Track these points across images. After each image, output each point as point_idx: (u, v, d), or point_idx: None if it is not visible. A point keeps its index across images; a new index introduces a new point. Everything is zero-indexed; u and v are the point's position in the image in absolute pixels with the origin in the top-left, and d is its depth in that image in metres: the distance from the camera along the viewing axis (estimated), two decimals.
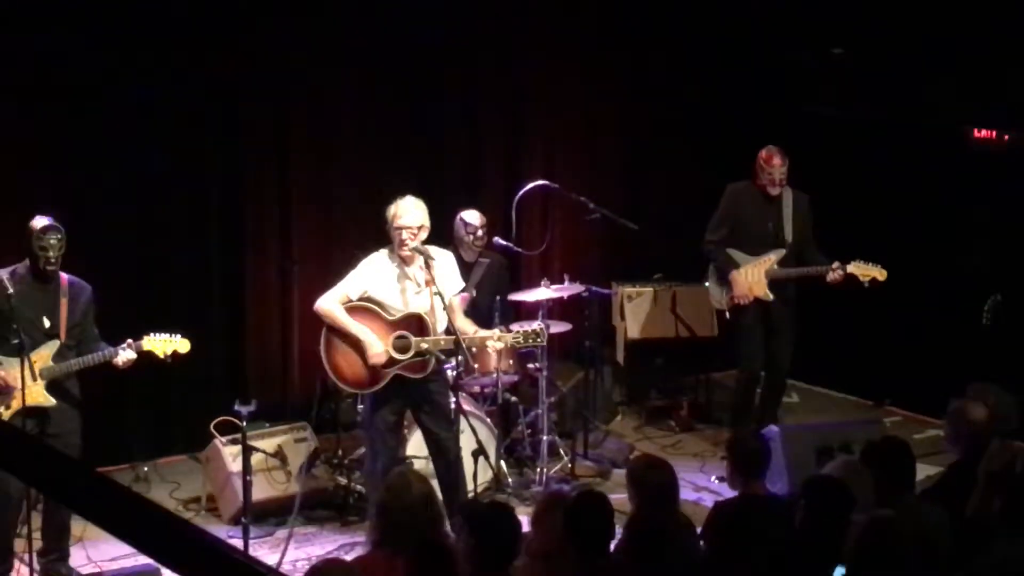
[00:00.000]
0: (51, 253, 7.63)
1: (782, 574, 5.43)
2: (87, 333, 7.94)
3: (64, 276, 7.82)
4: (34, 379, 7.64)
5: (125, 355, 7.87)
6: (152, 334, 8.04)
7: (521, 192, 10.43)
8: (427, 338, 8.22)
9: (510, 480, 9.58)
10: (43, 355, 7.70)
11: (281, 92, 10.48)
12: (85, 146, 9.67)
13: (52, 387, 7.75)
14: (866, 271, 9.84)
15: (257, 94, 10.43)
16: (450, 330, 8.16)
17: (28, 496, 7.78)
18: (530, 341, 8.80)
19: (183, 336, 8.11)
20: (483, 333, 8.64)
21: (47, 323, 7.73)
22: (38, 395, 7.68)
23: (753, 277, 10.15)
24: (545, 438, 9.67)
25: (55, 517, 7.92)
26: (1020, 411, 7.46)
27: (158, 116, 9.93)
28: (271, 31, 10.32)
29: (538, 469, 9.69)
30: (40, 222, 7.68)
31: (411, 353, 8.21)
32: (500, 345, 8.80)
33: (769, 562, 5.43)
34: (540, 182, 10.52)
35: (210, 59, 10.10)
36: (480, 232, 9.70)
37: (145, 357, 8.02)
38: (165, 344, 8.05)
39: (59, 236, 7.66)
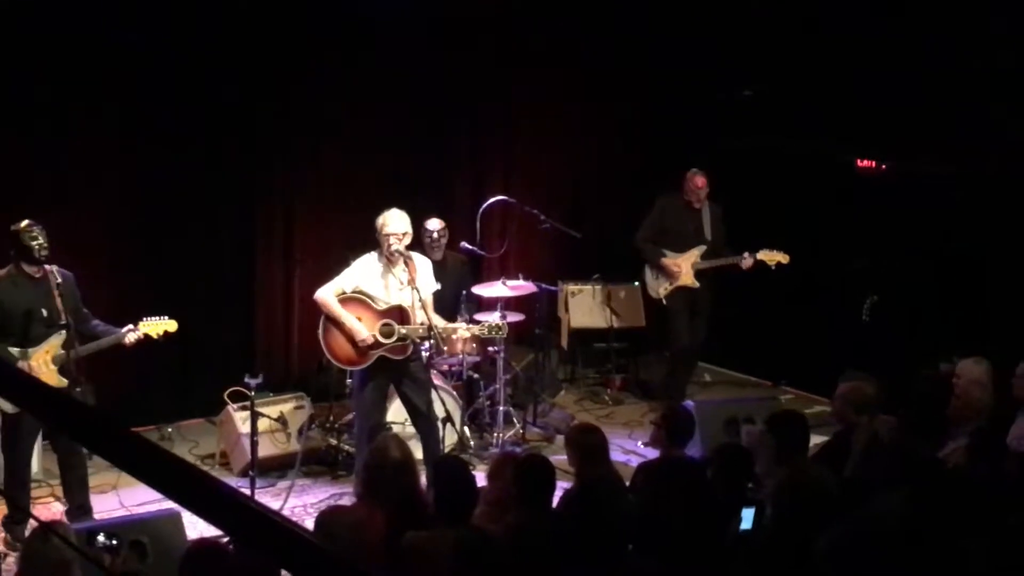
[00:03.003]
0: (43, 242, 7.28)
1: (697, 517, 5.44)
2: (80, 315, 7.57)
3: (47, 267, 7.41)
4: (48, 366, 7.37)
5: (133, 336, 7.60)
6: (145, 319, 7.72)
7: (484, 205, 10.43)
8: (407, 326, 8.21)
9: (472, 443, 9.55)
10: (53, 344, 7.40)
11: (289, 125, 10.41)
12: (123, 160, 9.61)
13: (64, 370, 7.42)
14: (772, 256, 10.15)
15: (269, 126, 10.35)
16: (424, 322, 8.17)
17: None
18: (494, 334, 8.82)
19: (172, 318, 7.81)
20: (452, 325, 8.63)
21: (45, 313, 7.37)
22: (52, 379, 7.33)
23: (682, 268, 10.32)
24: (501, 409, 9.65)
25: (74, 474, 7.66)
26: (883, 393, 7.48)
27: (186, 138, 9.87)
28: (283, 72, 10.25)
29: (495, 434, 9.66)
30: (24, 222, 7.32)
31: (394, 338, 8.19)
32: (467, 335, 8.84)
33: (686, 508, 5.45)
34: (500, 197, 10.51)
35: (231, 92, 10.05)
36: (436, 236, 9.62)
37: (143, 339, 7.71)
38: (158, 326, 7.74)
39: (42, 228, 7.32)
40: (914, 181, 10.29)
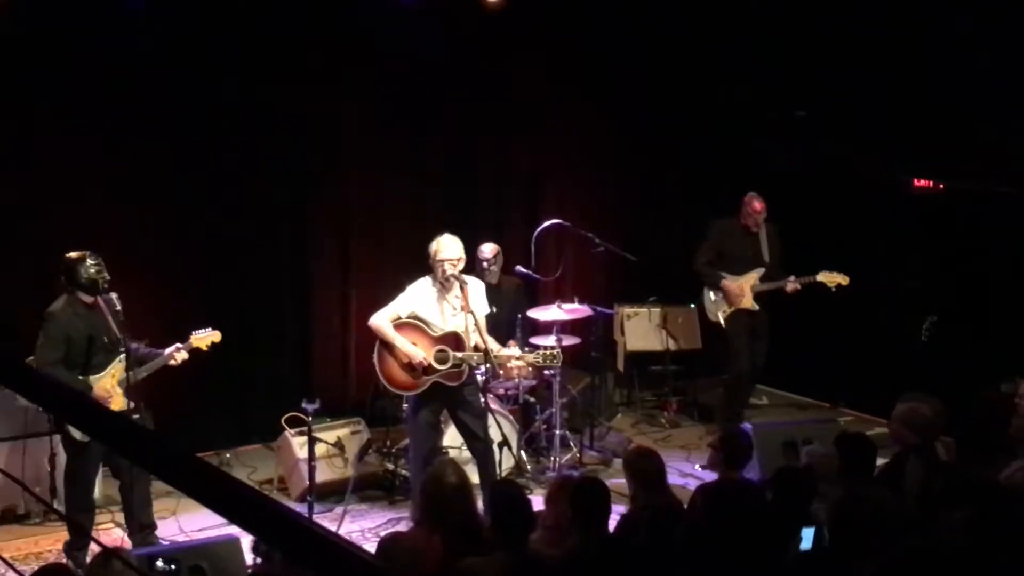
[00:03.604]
0: (106, 275, 7.42)
1: (756, 542, 5.43)
2: (126, 336, 7.62)
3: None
4: (116, 390, 7.54)
5: (180, 356, 7.74)
6: (193, 333, 7.88)
7: (539, 229, 10.47)
8: (462, 352, 8.27)
9: (529, 467, 9.57)
10: (118, 368, 7.55)
11: (344, 151, 10.56)
12: (179, 187, 9.80)
13: (129, 393, 7.58)
14: (832, 278, 10.07)
15: (325, 153, 10.51)
16: (479, 346, 8.24)
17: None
18: (548, 362, 8.86)
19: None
20: (507, 352, 8.67)
21: (106, 339, 7.52)
22: (121, 403, 7.54)
23: (743, 291, 10.33)
24: (558, 432, 9.68)
25: (138, 493, 7.75)
26: (945, 414, 7.45)
27: (241, 165, 10.02)
28: (338, 98, 10.41)
29: (552, 458, 9.69)
30: (80, 252, 7.43)
31: (448, 364, 8.25)
32: (521, 363, 8.88)
33: (744, 531, 5.45)
34: (555, 221, 10.54)
35: (291, 123, 10.23)
36: (485, 264, 9.67)
37: (194, 352, 7.87)
38: (206, 339, 7.91)
39: (99, 258, 7.44)
40: (972, 200, 10.23)
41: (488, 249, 9.74)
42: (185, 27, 9.60)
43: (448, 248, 8.25)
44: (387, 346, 8.35)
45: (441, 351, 8.26)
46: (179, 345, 7.77)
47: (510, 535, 5.61)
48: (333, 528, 8.25)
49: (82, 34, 9.23)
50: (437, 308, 8.36)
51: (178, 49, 9.59)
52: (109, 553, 5.42)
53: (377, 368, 8.41)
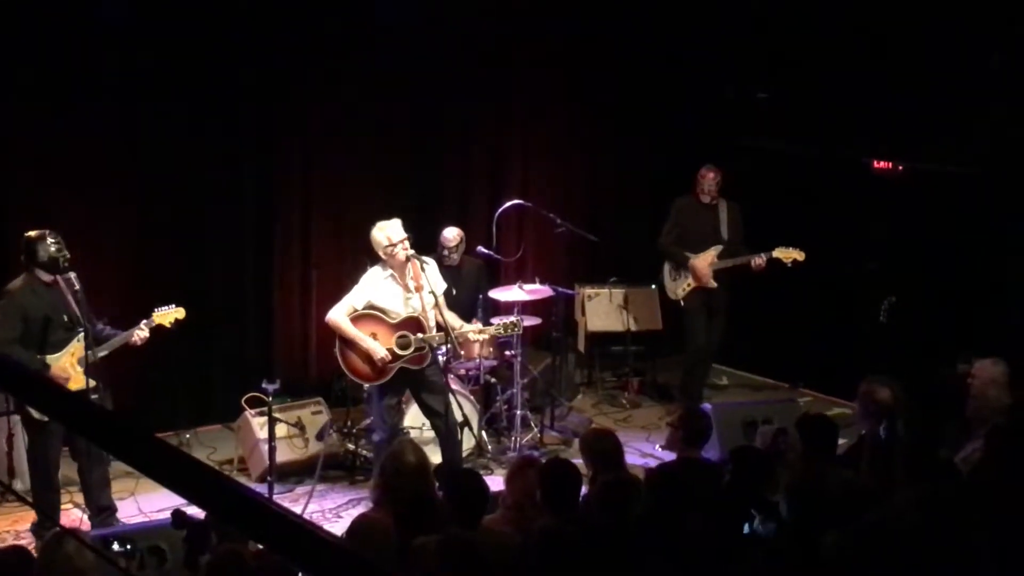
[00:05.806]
0: (66, 253, 7.38)
1: (712, 519, 5.47)
2: (87, 315, 7.60)
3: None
4: (75, 369, 7.47)
5: (141, 334, 7.67)
6: (156, 309, 7.84)
7: (500, 209, 10.47)
8: (423, 335, 8.27)
9: (490, 447, 9.59)
10: (77, 347, 7.48)
11: (306, 133, 10.51)
12: (143, 166, 9.71)
13: (89, 372, 7.51)
14: (788, 254, 10.12)
15: (287, 134, 10.46)
16: (440, 326, 8.26)
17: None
18: (509, 331, 8.89)
19: (191, 311, 8.03)
20: (468, 327, 8.68)
21: (65, 318, 7.47)
22: (80, 382, 7.45)
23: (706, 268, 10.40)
24: (519, 413, 9.69)
25: (96, 474, 7.73)
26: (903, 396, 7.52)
27: (205, 144, 9.94)
28: (301, 80, 10.38)
29: (513, 438, 9.71)
30: (40, 231, 7.40)
31: (411, 350, 8.26)
32: (484, 337, 8.89)
33: (701, 510, 5.49)
34: (516, 201, 10.55)
35: (253, 101, 10.17)
36: (447, 252, 9.64)
37: (157, 329, 7.82)
38: (168, 315, 7.85)
39: (59, 237, 7.40)
40: (931, 182, 10.31)
41: (452, 236, 9.70)
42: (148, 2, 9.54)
43: (394, 230, 8.24)
44: (347, 341, 8.34)
45: (403, 336, 8.27)
46: (138, 327, 7.70)
47: (465, 514, 5.63)
48: (296, 508, 8.26)
49: (38, 8, 9.12)
50: (393, 294, 8.36)
51: (143, 23, 9.48)
52: (63, 535, 5.39)
53: (341, 363, 8.43)
